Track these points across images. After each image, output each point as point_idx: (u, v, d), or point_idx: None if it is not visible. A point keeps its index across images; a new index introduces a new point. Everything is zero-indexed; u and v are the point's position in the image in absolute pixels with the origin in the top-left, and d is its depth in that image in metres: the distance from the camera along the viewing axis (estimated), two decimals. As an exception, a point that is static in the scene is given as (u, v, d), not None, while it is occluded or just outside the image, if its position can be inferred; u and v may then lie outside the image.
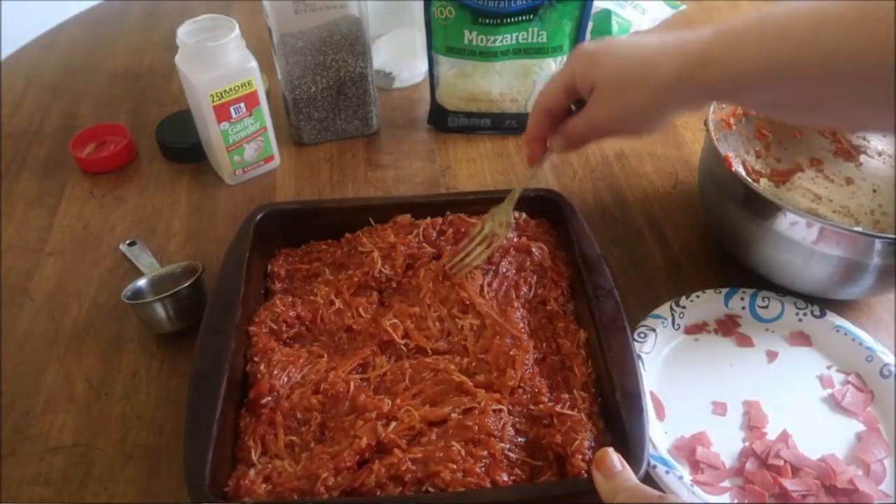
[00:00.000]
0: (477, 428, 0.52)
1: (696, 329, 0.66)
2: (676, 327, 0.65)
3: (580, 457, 0.50)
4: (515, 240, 0.67)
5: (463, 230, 0.67)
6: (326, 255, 0.68)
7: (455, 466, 0.50)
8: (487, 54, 0.82)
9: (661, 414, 0.60)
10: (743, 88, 0.46)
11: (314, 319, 0.62)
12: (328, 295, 0.63)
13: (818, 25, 0.41)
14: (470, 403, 0.54)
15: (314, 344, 0.61)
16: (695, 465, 0.56)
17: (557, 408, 0.54)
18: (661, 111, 0.51)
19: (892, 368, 0.61)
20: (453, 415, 0.53)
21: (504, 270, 0.65)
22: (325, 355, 0.60)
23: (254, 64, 0.76)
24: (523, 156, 0.87)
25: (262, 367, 0.58)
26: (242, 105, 0.77)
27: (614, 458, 0.48)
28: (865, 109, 0.43)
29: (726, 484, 0.55)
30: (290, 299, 0.63)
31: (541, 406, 0.55)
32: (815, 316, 0.66)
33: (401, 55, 0.96)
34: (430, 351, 0.59)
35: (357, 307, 0.63)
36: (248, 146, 0.80)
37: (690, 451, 0.57)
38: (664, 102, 0.49)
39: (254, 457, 0.53)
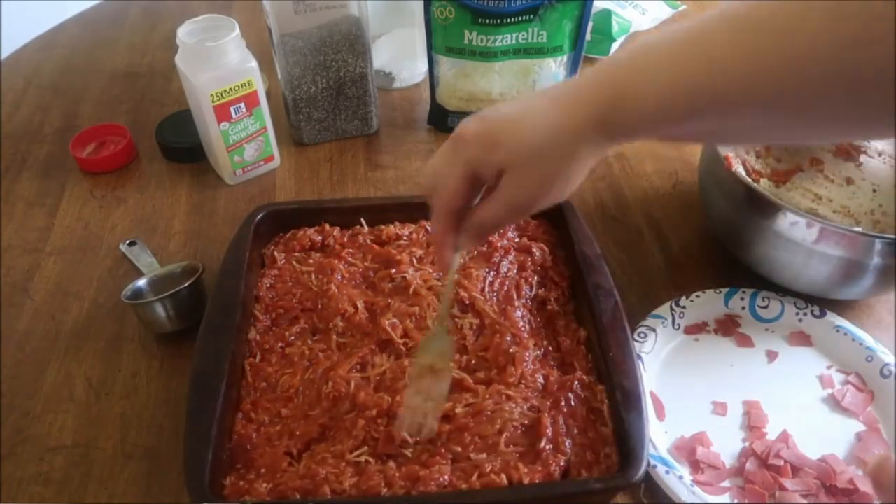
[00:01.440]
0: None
1: (696, 329, 0.66)
2: (676, 327, 0.65)
3: None
4: (517, 240, 0.68)
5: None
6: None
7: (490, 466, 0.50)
8: (487, 54, 0.82)
9: (661, 414, 0.60)
10: (668, 121, 0.42)
11: (311, 302, 0.63)
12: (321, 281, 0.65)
13: (744, 37, 0.37)
14: (472, 399, 0.54)
15: (314, 337, 0.61)
16: (695, 465, 0.56)
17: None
18: (579, 168, 0.47)
19: (892, 368, 0.61)
20: (458, 409, 0.54)
21: (505, 270, 0.65)
22: (322, 355, 0.60)
23: (254, 64, 0.76)
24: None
25: (262, 366, 0.58)
26: (242, 105, 0.77)
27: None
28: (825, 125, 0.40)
29: (726, 484, 0.55)
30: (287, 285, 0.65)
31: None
32: (815, 316, 0.66)
33: (401, 55, 0.96)
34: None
35: (354, 299, 0.63)
36: (248, 146, 0.80)
37: (690, 451, 0.57)
38: (579, 158, 0.46)
39: (254, 457, 0.53)
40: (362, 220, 0.70)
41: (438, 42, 0.82)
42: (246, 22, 0.83)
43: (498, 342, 0.58)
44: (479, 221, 0.50)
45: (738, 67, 0.38)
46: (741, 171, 0.74)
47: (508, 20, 0.79)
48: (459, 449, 0.52)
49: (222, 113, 0.76)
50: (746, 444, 0.58)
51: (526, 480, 0.50)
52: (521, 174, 0.47)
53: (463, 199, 0.50)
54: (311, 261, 0.67)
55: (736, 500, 0.54)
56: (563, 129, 0.45)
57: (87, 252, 0.76)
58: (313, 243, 0.68)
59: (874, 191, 0.75)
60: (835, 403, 0.61)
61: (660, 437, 0.57)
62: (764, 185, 0.78)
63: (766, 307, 0.67)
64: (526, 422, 0.54)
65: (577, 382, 0.57)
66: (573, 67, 0.85)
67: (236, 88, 0.75)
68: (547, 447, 0.52)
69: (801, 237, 0.61)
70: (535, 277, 0.65)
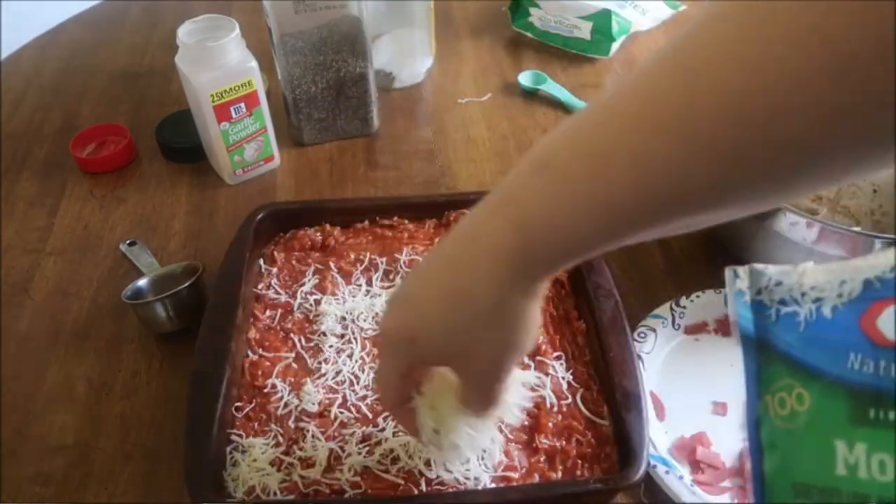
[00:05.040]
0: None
1: (696, 329, 0.66)
2: (676, 327, 0.65)
3: None
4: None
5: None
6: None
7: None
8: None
9: (661, 414, 0.60)
10: (600, 246, 0.37)
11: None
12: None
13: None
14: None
15: (315, 335, 0.61)
16: (695, 465, 0.56)
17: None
18: (514, 320, 0.39)
19: (892, 368, 0.61)
20: None
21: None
22: (322, 353, 0.60)
23: (254, 64, 0.76)
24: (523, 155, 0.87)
25: (263, 364, 0.58)
26: (242, 105, 0.77)
27: None
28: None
29: (726, 484, 0.55)
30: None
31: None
32: (815, 316, 0.65)
33: (401, 55, 0.96)
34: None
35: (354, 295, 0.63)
36: (248, 146, 0.80)
37: (690, 451, 0.57)
38: (505, 314, 0.38)
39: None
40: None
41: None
42: (246, 22, 0.83)
43: None
44: (470, 407, 0.45)
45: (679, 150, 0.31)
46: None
47: None
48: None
49: (222, 113, 0.76)
50: (747, 444, 0.57)
51: (526, 480, 0.51)
52: (454, 363, 0.42)
53: (408, 396, 0.46)
54: (310, 260, 0.67)
55: (736, 500, 0.54)
56: (469, 299, 0.37)
57: (87, 252, 0.76)
58: (314, 243, 0.68)
59: (874, 191, 0.75)
60: (835, 403, 0.60)
61: (660, 437, 0.57)
62: (764, 185, 0.78)
63: (766, 307, 0.66)
64: (525, 421, 0.54)
65: (576, 381, 0.57)
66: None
67: (236, 88, 0.75)
68: (546, 446, 0.52)
69: (801, 237, 0.61)
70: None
